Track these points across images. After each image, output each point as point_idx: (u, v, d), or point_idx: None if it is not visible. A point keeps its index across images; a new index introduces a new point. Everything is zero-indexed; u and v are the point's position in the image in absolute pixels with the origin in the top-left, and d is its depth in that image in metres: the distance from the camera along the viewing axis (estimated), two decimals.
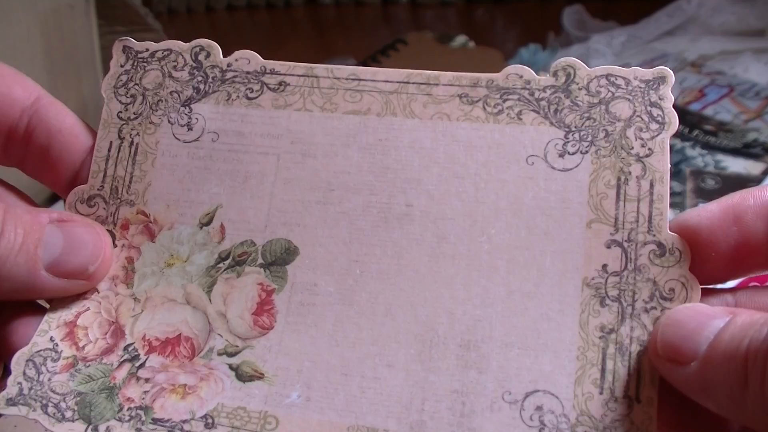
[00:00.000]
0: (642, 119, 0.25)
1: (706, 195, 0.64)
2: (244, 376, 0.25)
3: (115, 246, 0.27)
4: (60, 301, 0.26)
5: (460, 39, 1.04)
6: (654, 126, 0.25)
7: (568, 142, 0.26)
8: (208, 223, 0.27)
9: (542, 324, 0.24)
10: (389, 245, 0.26)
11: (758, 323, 0.19)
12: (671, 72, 0.26)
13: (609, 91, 0.26)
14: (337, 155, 0.27)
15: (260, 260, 0.26)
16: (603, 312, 0.24)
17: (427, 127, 0.27)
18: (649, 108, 0.25)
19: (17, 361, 0.26)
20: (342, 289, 0.26)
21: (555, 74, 0.26)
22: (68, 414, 0.25)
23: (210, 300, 0.26)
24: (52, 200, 0.67)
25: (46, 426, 0.25)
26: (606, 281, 0.24)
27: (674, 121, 0.25)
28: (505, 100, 0.26)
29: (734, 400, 0.19)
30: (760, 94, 0.79)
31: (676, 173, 0.67)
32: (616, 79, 0.26)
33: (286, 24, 1.38)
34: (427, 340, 0.25)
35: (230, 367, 0.25)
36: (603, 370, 0.24)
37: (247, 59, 0.28)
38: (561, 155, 0.26)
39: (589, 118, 0.26)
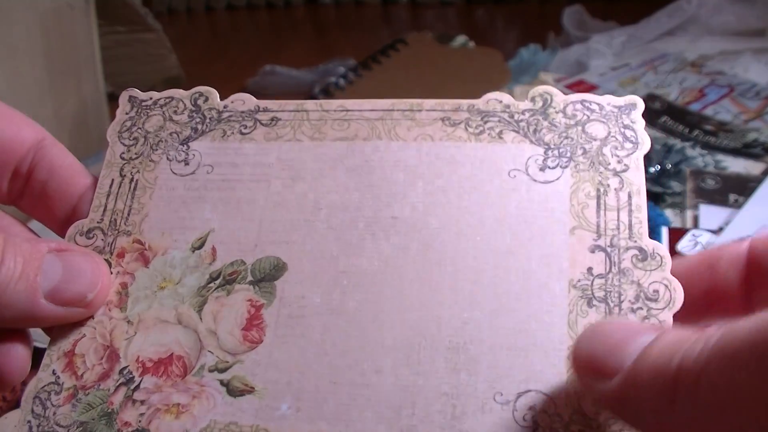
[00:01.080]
0: (617, 139, 0.26)
1: (706, 195, 0.64)
2: (234, 391, 0.25)
3: (110, 273, 0.28)
4: (59, 332, 0.27)
5: (460, 39, 1.04)
6: (628, 145, 0.26)
7: (548, 157, 0.27)
8: (200, 247, 0.28)
9: (531, 324, 0.24)
10: (375, 255, 0.26)
11: (690, 340, 0.18)
12: (641, 99, 0.27)
13: (584, 114, 0.27)
14: (325, 177, 0.28)
15: (249, 278, 0.27)
16: (591, 312, 0.24)
17: (411, 148, 0.28)
18: (622, 129, 0.27)
19: (26, 400, 0.26)
20: (330, 300, 0.26)
21: (533, 100, 0.28)
22: None
23: (201, 318, 0.27)
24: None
25: None
26: (592, 283, 0.25)
27: (647, 142, 0.26)
28: (486, 122, 0.28)
29: (659, 417, 0.19)
30: (760, 94, 0.79)
31: (676, 173, 0.67)
32: (591, 104, 0.27)
33: (286, 24, 1.38)
34: (415, 344, 0.25)
35: (221, 383, 0.25)
36: None
37: (243, 101, 0.30)
38: (542, 169, 0.26)
39: (566, 137, 0.27)
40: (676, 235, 0.58)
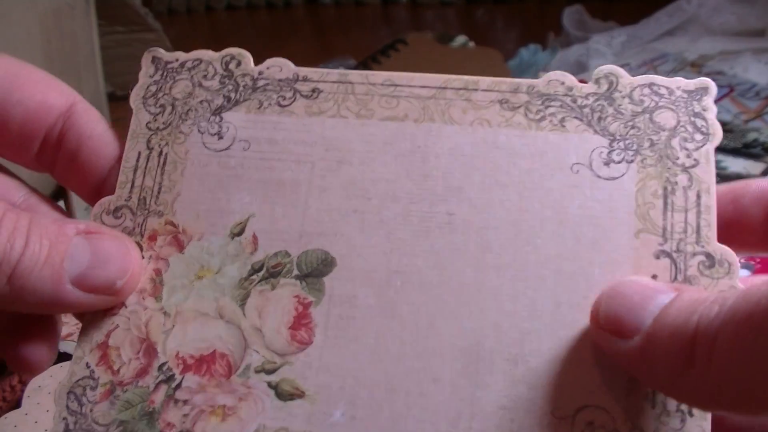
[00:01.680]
0: (686, 129, 0.25)
1: None
2: (284, 394, 0.24)
3: (142, 258, 0.26)
4: (90, 322, 0.26)
5: (460, 39, 1.04)
6: (698, 137, 0.25)
7: (613, 150, 0.25)
8: (239, 233, 0.26)
9: (588, 343, 0.23)
10: (431, 255, 0.25)
11: (707, 300, 0.19)
12: (713, 83, 0.25)
13: (652, 100, 0.25)
14: (374, 162, 0.26)
15: (296, 271, 0.25)
16: None
17: (466, 133, 0.26)
18: (692, 118, 0.25)
19: (59, 395, 0.25)
20: (383, 301, 0.24)
21: (597, 81, 0.26)
22: None
23: (244, 314, 0.25)
24: (56, 196, 0.67)
25: None
26: None
27: (718, 133, 0.25)
28: (547, 107, 0.26)
29: (675, 375, 0.19)
30: (760, 94, 0.79)
31: None
32: (659, 89, 0.25)
33: (286, 24, 1.38)
34: (473, 353, 0.24)
35: (269, 385, 0.24)
36: None
37: (279, 67, 0.28)
38: (606, 164, 0.25)
39: (633, 127, 0.25)
40: None
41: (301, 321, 0.25)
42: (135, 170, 0.27)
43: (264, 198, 0.26)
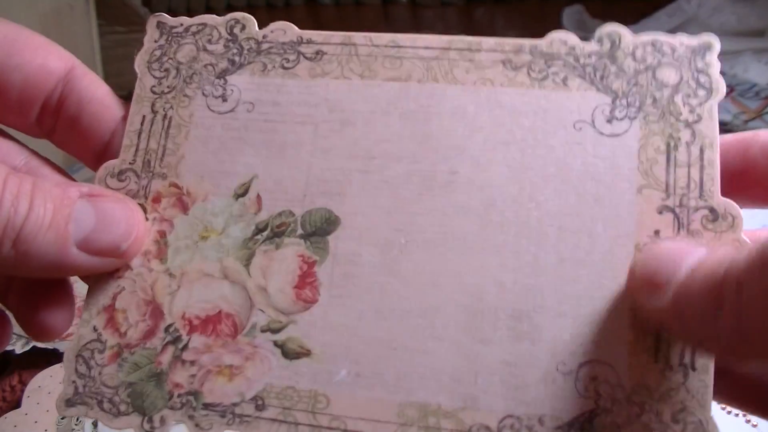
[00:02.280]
0: (689, 85, 0.25)
1: None
2: (290, 353, 0.25)
3: (146, 220, 0.26)
4: (96, 285, 0.26)
5: None
6: (701, 92, 0.25)
7: (616, 107, 0.25)
8: (243, 194, 0.26)
9: (595, 292, 0.24)
10: (434, 213, 0.25)
11: (739, 251, 0.19)
12: (717, 39, 0.25)
13: (655, 57, 0.25)
14: (377, 123, 0.26)
15: (300, 231, 0.26)
16: None
17: (469, 93, 0.26)
18: (696, 74, 0.25)
19: (68, 358, 0.25)
20: (386, 259, 0.25)
21: (599, 40, 0.26)
22: (123, 407, 0.25)
23: (249, 274, 0.25)
24: None
25: (105, 424, 0.25)
26: None
27: (722, 88, 0.25)
28: (549, 66, 0.26)
29: (707, 325, 0.19)
30: (760, 94, 0.79)
31: None
32: (662, 46, 0.26)
33: None
34: (476, 311, 0.24)
35: (275, 344, 0.25)
36: (657, 339, 0.23)
37: (283, 30, 0.28)
38: (609, 121, 0.25)
39: (636, 84, 0.25)
40: None
41: (305, 280, 0.25)
42: (139, 134, 0.27)
43: (267, 159, 0.26)
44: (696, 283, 0.20)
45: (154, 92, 0.28)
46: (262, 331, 0.25)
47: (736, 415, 0.44)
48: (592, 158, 0.25)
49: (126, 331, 0.25)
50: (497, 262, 0.24)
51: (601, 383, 0.23)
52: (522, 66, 0.26)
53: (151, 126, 0.27)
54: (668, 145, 0.25)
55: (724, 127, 0.74)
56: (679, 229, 0.24)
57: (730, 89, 0.80)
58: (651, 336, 0.23)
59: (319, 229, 0.26)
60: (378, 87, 0.27)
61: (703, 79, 0.25)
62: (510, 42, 0.26)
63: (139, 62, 0.28)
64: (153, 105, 0.28)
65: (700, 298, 0.19)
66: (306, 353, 0.24)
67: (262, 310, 0.25)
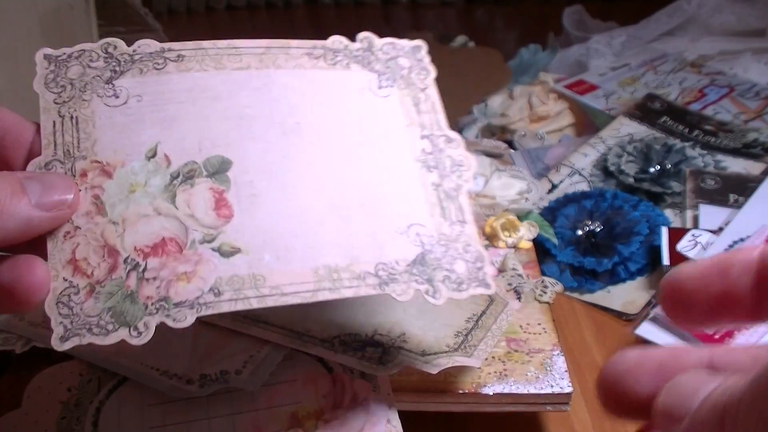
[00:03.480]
0: (416, 68, 0.39)
1: (706, 195, 0.64)
2: (226, 253, 0.32)
3: (79, 191, 0.32)
4: (53, 248, 0.31)
5: (460, 39, 1.04)
6: (423, 72, 0.39)
7: (381, 80, 0.39)
8: (153, 156, 0.33)
9: (399, 186, 0.36)
10: (291, 147, 0.35)
11: (743, 379, 0.20)
12: (423, 42, 0.40)
13: (395, 51, 0.40)
14: (238, 96, 0.36)
15: (205, 172, 0.33)
16: (430, 175, 0.36)
17: (291, 74, 0.37)
18: (418, 62, 0.40)
19: (50, 307, 0.29)
20: (274, 181, 0.34)
21: (361, 41, 0.39)
22: (110, 327, 0.29)
23: (176, 207, 0.32)
24: None
25: (99, 343, 0.29)
26: (427, 157, 0.37)
27: (433, 70, 0.39)
28: (336, 56, 0.39)
29: None
30: (760, 94, 0.79)
31: (675, 173, 0.67)
32: (396, 45, 0.40)
33: (286, 24, 1.38)
34: (340, 204, 0.34)
35: (213, 249, 0.32)
36: (442, 208, 0.36)
37: (147, 44, 0.36)
38: (380, 87, 0.38)
39: (389, 67, 0.39)
40: (676, 235, 0.58)
41: (220, 203, 0.33)
42: (54, 134, 0.33)
43: (164, 129, 0.34)
44: (703, 410, 0.21)
45: (56, 103, 0.33)
46: (200, 243, 0.32)
47: None
48: (373, 110, 0.38)
49: (92, 272, 0.30)
50: (338, 175, 0.35)
51: (422, 236, 0.35)
52: (319, 57, 0.38)
53: (62, 126, 0.33)
54: (415, 101, 0.38)
55: (724, 127, 0.73)
56: (433, 147, 0.37)
57: (730, 89, 0.80)
58: (437, 207, 0.36)
59: (219, 168, 0.34)
60: (228, 74, 0.36)
61: (422, 65, 0.39)
62: (308, 42, 0.39)
63: (37, 84, 0.34)
64: (59, 112, 0.33)
65: (705, 427, 0.20)
66: (237, 250, 0.32)
67: (195, 230, 0.32)
